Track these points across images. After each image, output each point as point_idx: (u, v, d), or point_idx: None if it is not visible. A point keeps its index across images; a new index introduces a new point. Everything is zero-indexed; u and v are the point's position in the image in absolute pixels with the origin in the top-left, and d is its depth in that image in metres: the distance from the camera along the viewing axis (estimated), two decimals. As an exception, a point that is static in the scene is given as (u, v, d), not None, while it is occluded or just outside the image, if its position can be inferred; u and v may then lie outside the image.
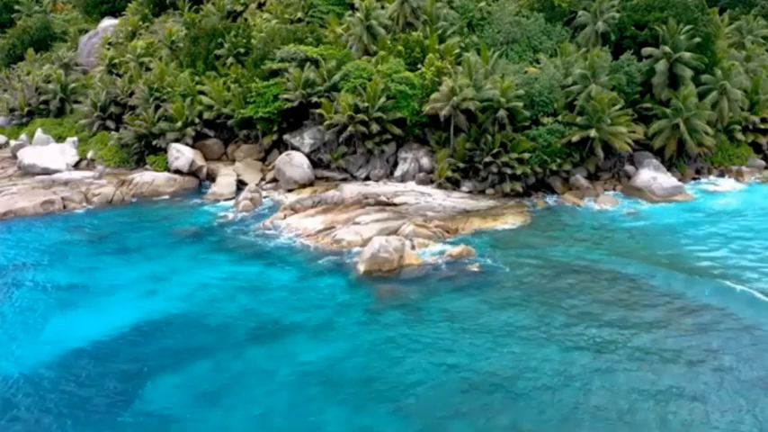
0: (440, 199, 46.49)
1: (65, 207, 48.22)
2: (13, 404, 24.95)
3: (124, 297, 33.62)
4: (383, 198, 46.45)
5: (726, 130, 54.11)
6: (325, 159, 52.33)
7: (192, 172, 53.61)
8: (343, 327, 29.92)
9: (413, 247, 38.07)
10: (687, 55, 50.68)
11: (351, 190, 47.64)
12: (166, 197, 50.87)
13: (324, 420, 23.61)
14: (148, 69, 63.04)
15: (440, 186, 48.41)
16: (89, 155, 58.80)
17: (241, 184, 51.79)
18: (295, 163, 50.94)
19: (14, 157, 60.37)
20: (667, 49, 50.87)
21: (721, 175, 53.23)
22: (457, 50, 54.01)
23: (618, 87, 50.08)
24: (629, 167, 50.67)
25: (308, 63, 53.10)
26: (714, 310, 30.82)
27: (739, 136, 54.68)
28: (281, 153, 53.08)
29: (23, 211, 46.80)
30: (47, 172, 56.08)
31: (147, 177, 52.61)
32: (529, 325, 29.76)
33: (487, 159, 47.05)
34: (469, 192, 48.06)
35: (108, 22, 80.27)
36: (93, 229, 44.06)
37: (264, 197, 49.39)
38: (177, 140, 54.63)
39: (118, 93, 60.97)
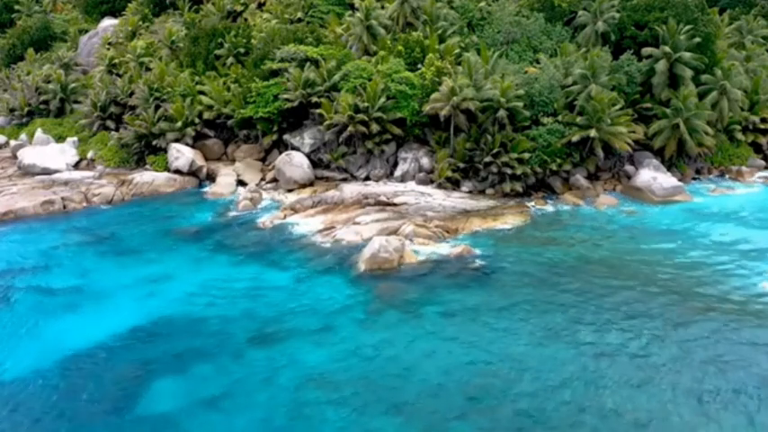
0: (440, 199, 46.49)
1: (65, 207, 48.22)
2: (12, 407, 24.90)
3: (124, 298, 33.58)
4: (383, 198, 46.44)
5: (726, 130, 54.13)
6: (325, 159, 52.33)
7: (192, 172, 53.62)
8: (344, 327, 29.89)
9: (413, 246, 38.07)
10: (687, 55, 50.69)
11: (351, 190, 47.65)
12: (166, 197, 50.80)
13: (325, 422, 23.58)
14: (148, 69, 63.08)
15: (440, 186, 48.42)
16: (89, 155, 58.81)
17: (241, 184, 51.84)
18: (295, 163, 50.95)
19: (14, 157, 60.39)
20: (667, 49, 50.87)
21: (721, 175, 53.27)
22: (457, 50, 54.01)
23: (618, 87, 50.09)
24: (629, 167, 50.67)
25: (308, 63, 53.11)
26: (715, 311, 30.81)
27: (739, 136, 54.72)
28: (281, 153, 53.10)
29: (23, 211, 46.78)
30: (47, 172, 56.09)
31: (147, 177, 52.60)
32: (529, 325, 29.76)
33: (487, 159, 47.05)
34: (469, 192, 48.07)
35: (108, 22, 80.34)
36: (92, 230, 44.01)
37: (264, 197, 49.37)
38: (177, 140, 54.64)
39: (118, 93, 60.99)
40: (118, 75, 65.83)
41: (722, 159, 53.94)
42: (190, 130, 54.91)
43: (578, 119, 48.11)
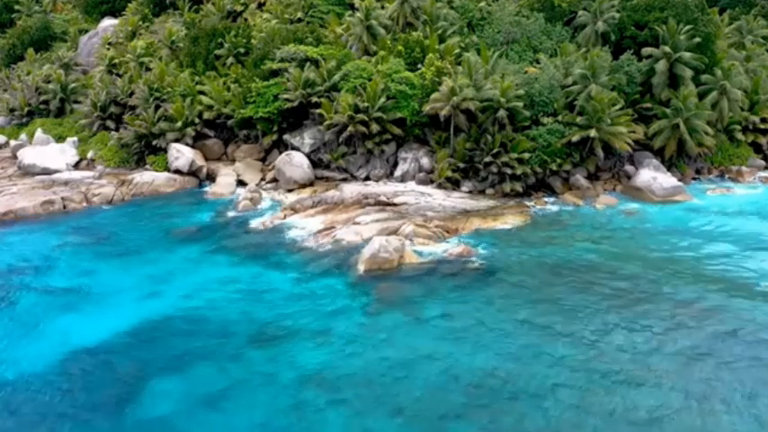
0: (440, 199, 46.48)
1: (65, 207, 48.22)
2: (13, 407, 24.92)
3: (124, 299, 33.58)
4: (383, 198, 46.43)
5: (726, 130, 54.12)
6: (325, 159, 52.33)
7: (192, 172, 53.63)
8: (344, 328, 29.86)
9: (413, 246, 38.05)
10: (687, 55, 50.69)
11: (351, 190, 47.64)
12: (166, 197, 50.78)
13: (325, 423, 23.58)
14: (148, 69, 63.11)
15: (440, 186, 48.41)
16: (89, 155, 58.83)
17: (241, 184, 51.84)
18: (295, 163, 50.95)
19: (14, 157, 60.39)
20: (667, 49, 50.86)
21: (721, 175, 53.24)
22: (457, 50, 54.01)
23: (618, 87, 50.08)
24: (629, 167, 50.66)
25: (308, 63, 53.12)
26: (716, 310, 30.78)
27: (739, 136, 54.71)
28: (281, 153, 53.11)
29: (23, 211, 46.77)
30: (47, 172, 56.10)
31: (147, 177, 52.61)
32: (529, 325, 29.75)
33: (487, 159, 47.05)
34: (469, 192, 48.07)
35: (108, 22, 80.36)
36: (92, 230, 44.02)
37: (264, 197, 49.36)
38: (177, 140, 54.65)
39: (118, 93, 61.01)
40: (118, 75, 65.85)
41: (722, 159, 53.93)
42: (190, 130, 54.92)
43: (578, 119, 48.11)
